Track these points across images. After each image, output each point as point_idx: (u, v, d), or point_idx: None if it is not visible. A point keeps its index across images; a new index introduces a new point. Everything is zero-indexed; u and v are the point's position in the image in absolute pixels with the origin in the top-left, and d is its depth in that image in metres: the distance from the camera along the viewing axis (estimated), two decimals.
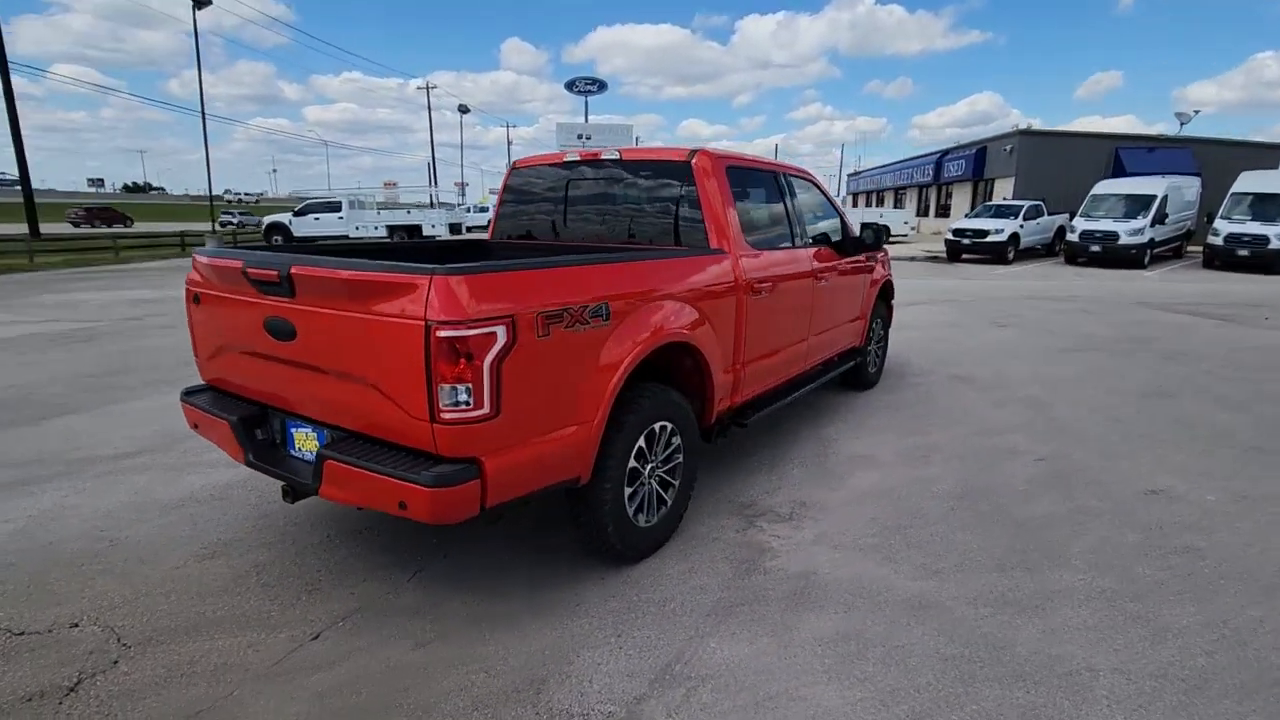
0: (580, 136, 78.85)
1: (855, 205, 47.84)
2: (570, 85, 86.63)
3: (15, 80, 21.88)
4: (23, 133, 21.98)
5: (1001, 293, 12.95)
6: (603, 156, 3.95)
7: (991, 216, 20.15)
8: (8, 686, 2.28)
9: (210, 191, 27.07)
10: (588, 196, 4.05)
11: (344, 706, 2.21)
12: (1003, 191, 27.83)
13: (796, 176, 4.71)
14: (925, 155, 35.32)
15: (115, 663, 2.41)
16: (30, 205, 25.53)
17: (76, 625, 2.62)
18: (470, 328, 2.16)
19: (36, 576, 2.95)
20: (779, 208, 4.29)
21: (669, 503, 3.22)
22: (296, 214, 25.56)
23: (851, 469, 4.19)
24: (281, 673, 2.36)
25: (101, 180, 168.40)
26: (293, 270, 2.43)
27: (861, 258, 5.26)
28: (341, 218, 25.31)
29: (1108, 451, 4.43)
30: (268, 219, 26.10)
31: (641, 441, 2.97)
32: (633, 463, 2.93)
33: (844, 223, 5.08)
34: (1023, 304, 11.32)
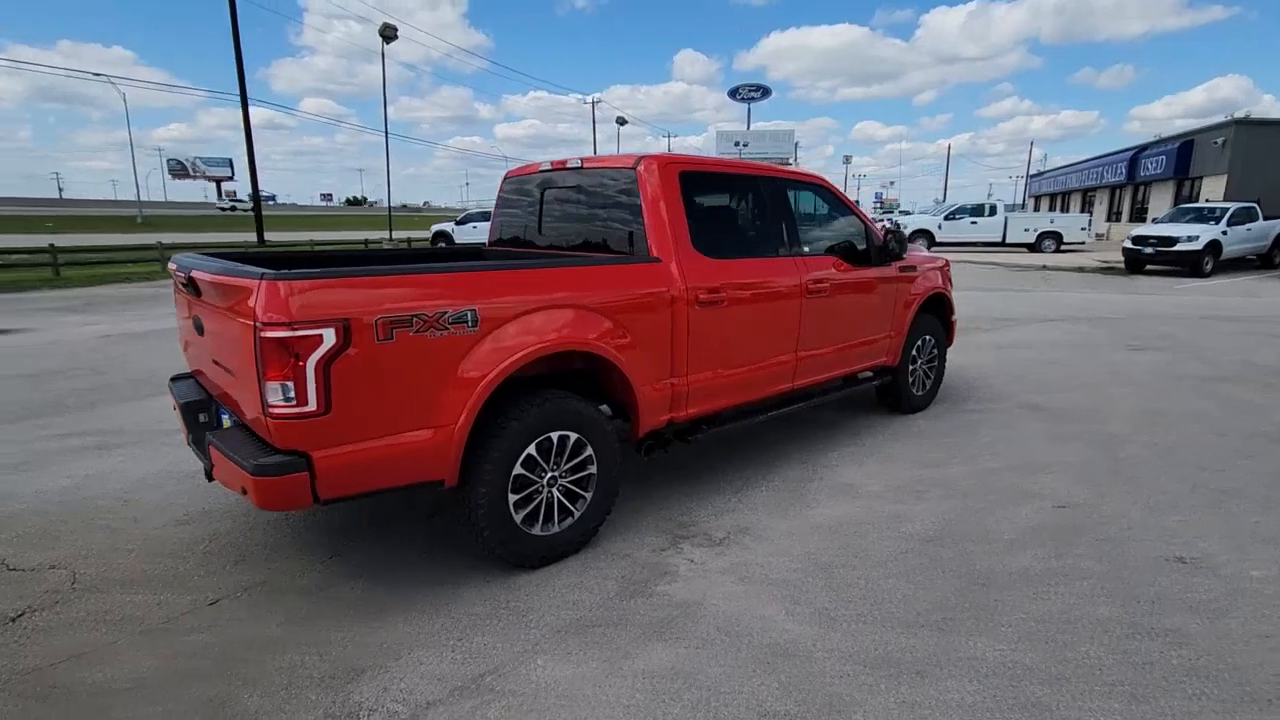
0: (737, 144, 78.70)
1: (1037, 209, 43.07)
2: (734, 93, 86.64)
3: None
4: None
5: (1166, 309, 11.07)
6: (569, 166, 3.98)
7: (1188, 221, 17.23)
8: (71, 610, 2.77)
9: (389, 204, 30.52)
10: (558, 204, 4.10)
11: (186, 668, 2.44)
12: (1211, 192, 23.66)
13: (798, 182, 4.42)
14: (1117, 153, 30.89)
15: (57, 603, 2.85)
16: (259, 218, 30.34)
17: (54, 568, 3.13)
18: (294, 329, 2.30)
19: (55, 524, 3.55)
20: (760, 215, 4.05)
21: (575, 514, 3.18)
22: (458, 223, 27.98)
23: (825, 498, 3.85)
24: (165, 630, 2.66)
25: (330, 195, 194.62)
26: (192, 273, 2.74)
27: (891, 269, 4.80)
28: None
29: (1155, 505, 3.67)
30: (434, 227, 28.82)
31: (532, 449, 2.96)
32: (519, 470, 2.93)
33: (868, 232, 4.66)
34: (1185, 324, 9.60)
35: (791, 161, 78.72)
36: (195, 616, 2.75)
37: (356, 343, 2.42)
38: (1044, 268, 19.06)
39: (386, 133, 29.14)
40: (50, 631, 2.64)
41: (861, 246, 4.60)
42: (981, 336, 8.74)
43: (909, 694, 2.24)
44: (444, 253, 4.79)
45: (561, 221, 4.07)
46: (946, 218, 24.70)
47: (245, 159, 23.15)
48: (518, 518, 2.97)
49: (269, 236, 31.07)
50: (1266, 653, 2.43)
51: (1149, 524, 3.45)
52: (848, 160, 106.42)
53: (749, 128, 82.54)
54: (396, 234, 30.10)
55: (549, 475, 3.06)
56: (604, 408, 3.42)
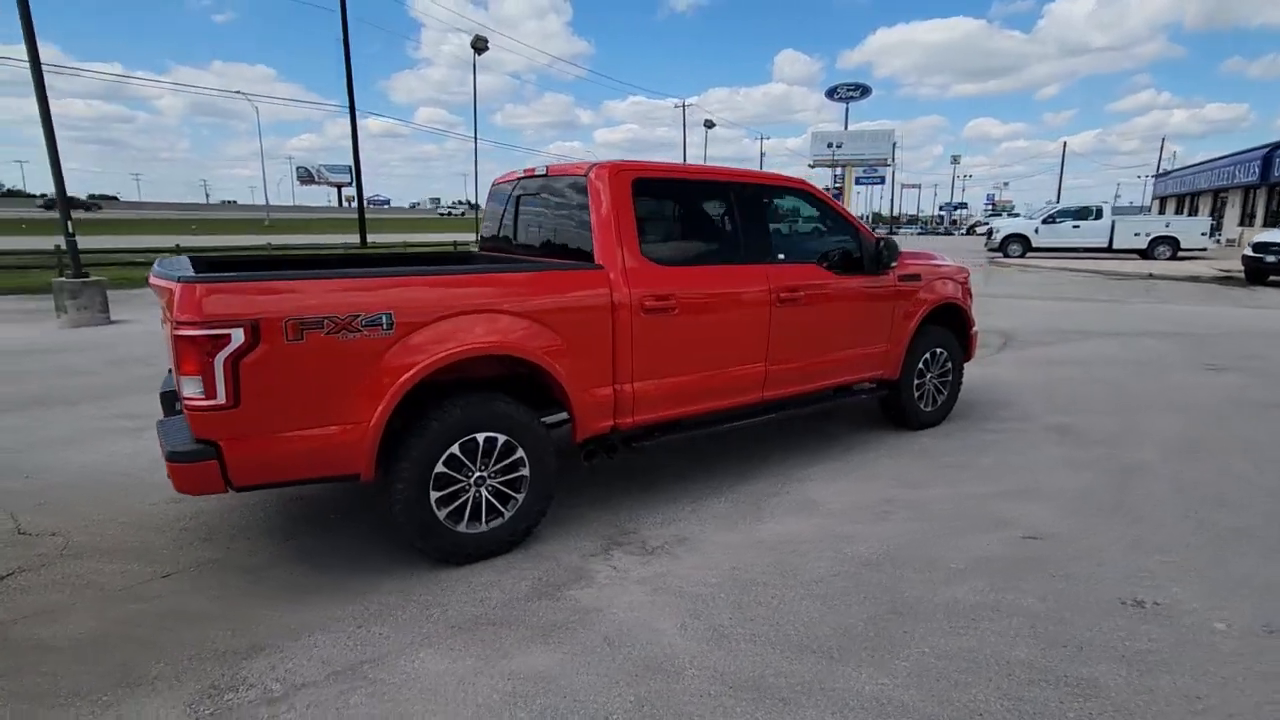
0: (830, 145, 76.36)
1: (1161, 211, 39.38)
2: (831, 93, 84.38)
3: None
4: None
5: (1278, 327, 9.88)
6: (536, 174, 4.07)
7: None
8: (47, 573, 3.15)
9: (476, 207, 31.91)
10: (528, 210, 4.19)
11: (120, 632, 2.69)
12: None
13: (777, 187, 4.30)
14: (1249, 150, 27.65)
15: (43, 566, 3.21)
16: (362, 221, 32.53)
17: (54, 534, 3.52)
18: (203, 328, 2.51)
19: (74, 495, 3.99)
20: (725, 222, 3.99)
21: (505, 515, 3.26)
22: None
23: (782, 513, 3.74)
24: (118, 597, 2.95)
25: (439, 199, 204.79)
26: (149, 277, 3.02)
27: (887, 279, 4.59)
28: None
29: (1142, 543, 3.32)
30: None
31: (456, 449, 3.06)
32: (441, 468, 3.04)
33: (860, 240, 4.47)
34: None
35: (890, 162, 75.92)
36: (147, 586, 3.03)
37: (266, 342, 2.60)
38: (1150, 276, 17.44)
39: (476, 139, 30.45)
40: (26, 591, 2.99)
41: (851, 255, 4.42)
42: (1037, 351, 8.15)
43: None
44: (428, 256, 4.97)
45: (530, 227, 4.16)
46: (1045, 221, 23.04)
47: (364, 166, 24.80)
48: (441, 514, 3.08)
49: (372, 239, 33.21)
50: (1188, 716, 2.17)
51: (1123, 563, 3.13)
52: (956, 160, 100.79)
53: (846, 128, 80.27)
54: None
55: (476, 475, 3.15)
56: (563, 413, 3.46)
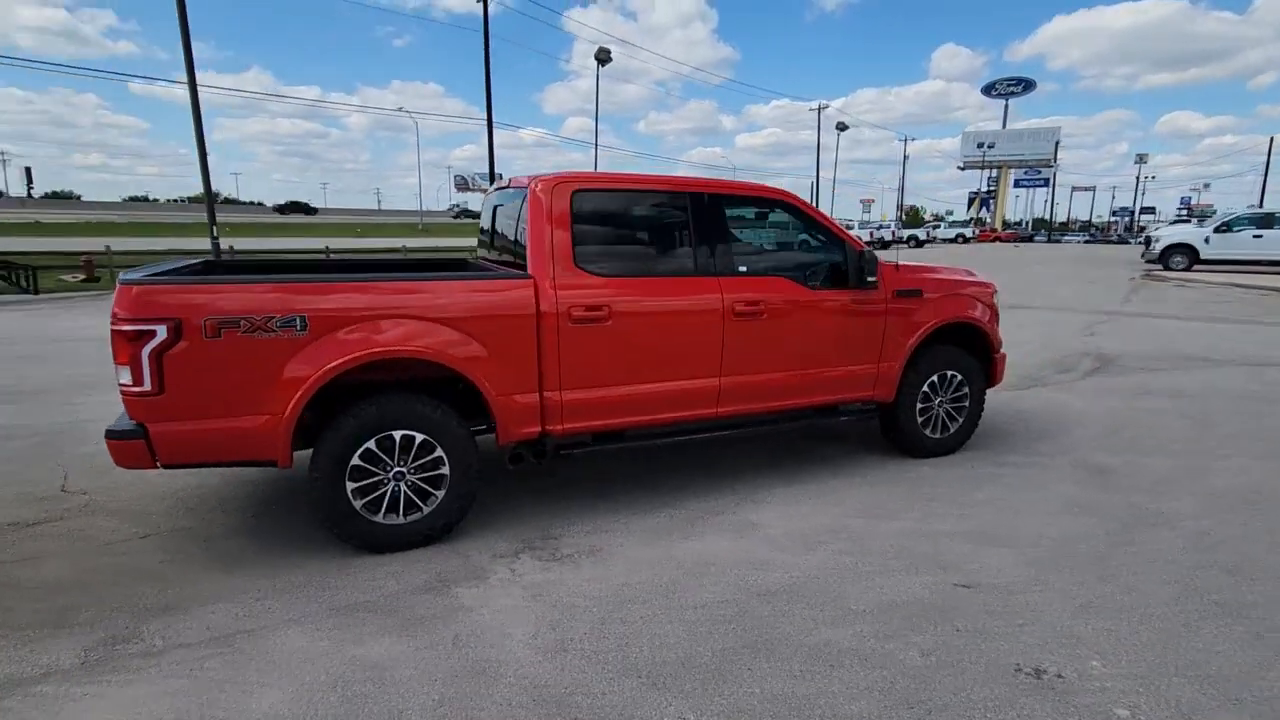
0: (982, 145, 71.16)
1: None
2: (989, 89, 78.59)
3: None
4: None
5: None
6: (506, 185, 4.21)
7: None
8: (28, 513, 3.82)
9: None
10: (500, 220, 4.34)
11: (81, 580, 3.13)
12: None
13: (744, 197, 4.16)
14: None
15: (61, 518, 3.80)
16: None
17: (84, 493, 4.15)
18: (130, 324, 2.88)
19: None
20: (674, 233, 3.92)
21: (424, 510, 3.43)
22: None
23: (713, 533, 3.63)
24: (99, 551, 3.42)
25: None
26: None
27: (877, 294, 4.29)
28: None
29: (1095, 606, 2.88)
30: None
31: (372, 445, 3.28)
32: (358, 461, 3.27)
33: (847, 253, 4.20)
34: None
35: (1053, 162, 69.12)
36: (124, 544, 3.51)
37: (187, 338, 2.94)
38: None
39: (596, 145, 31.47)
40: (34, 538, 3.56)
41: (830, 268, 4.19)
42: (1134, 378, 7.18)
43: None
44: (417, 263, 5.22)
45: (501, 237, 4.32)
46: (1218, 229, 20.01)
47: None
48: (358, 504, 3.30)
49: None
50: None
51: (1053, 626, 2.74)
52: (1141, 160, 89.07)
53: (1004, 126, 74.00)
54: None
55: (394, 470, 3.35)
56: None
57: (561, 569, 3.26)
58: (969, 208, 75.58)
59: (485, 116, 23.60)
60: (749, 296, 3.94)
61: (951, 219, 70.02)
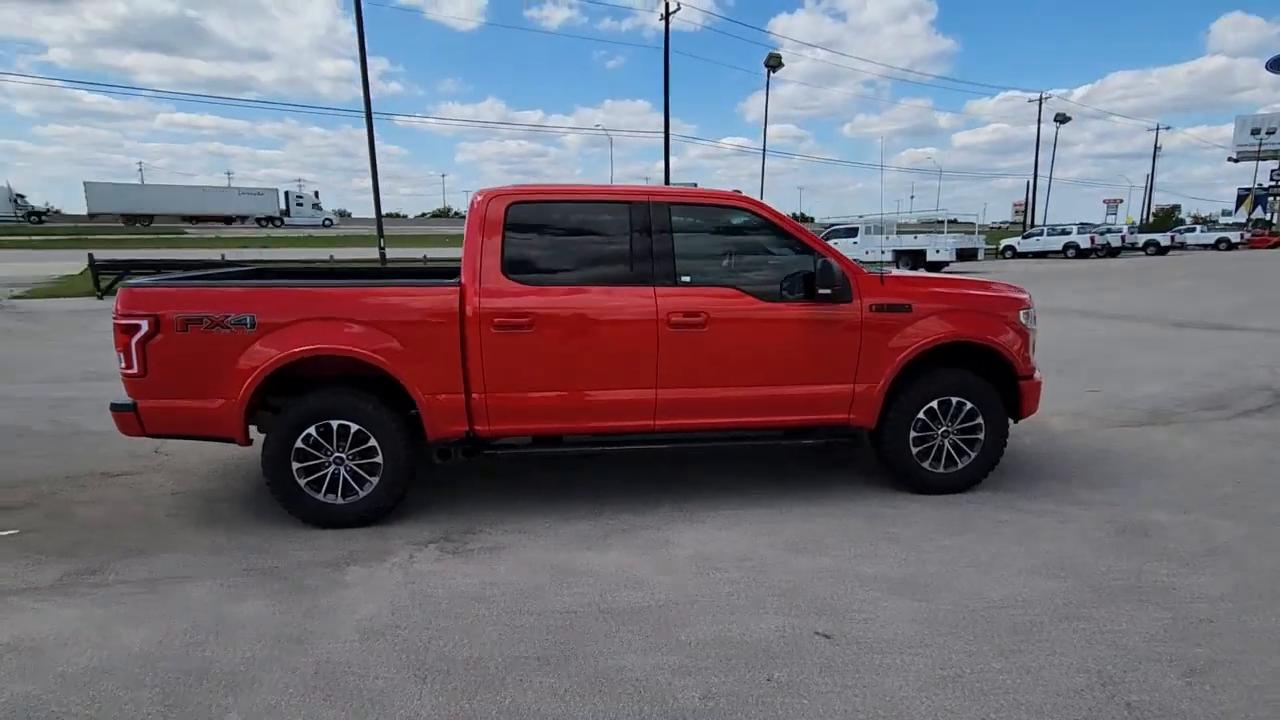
0: (1258, 132, 59.19)
1: None
2: (1274, 64, 64.81)
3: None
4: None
5: None
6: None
7: None
8: (121, 466, 4.84)
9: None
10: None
11: (103, 521, 3.93)
12: None
13: (695, 205, 4.02)
14: None
15: (139, 473, 4.75)
16: None
17: (167, 455, 5.13)
18: (123, 319, 3.57)
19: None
20: (611, 243, 3.89)
21: (360, 494, 3.80)
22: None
23: (621, 546, 3.58)
24: (136, 501, 4.25)
25: None
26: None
27: (851, 307, 3.92)
28: (856, 242, 26.65)
29: (952, 682, 2.41)
30: None
31: (312, 431, 3.71)
32: (301, 445, 3.72)
33: (816, 264, 3.87)
34: None
35: None
36: (157, 498, 4.30)
37: (163, 331, 3.57)
38: None
39: (765, 152, 30.97)
40: (111, 485, 4.49)
41: (788, 280, 3.90)
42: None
43: None
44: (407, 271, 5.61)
45: None
46: None
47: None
48: (302, 483, 3.75)
49: None
50: None
51: (886, 694, 2.35)
52: None
53: None
54: None
55: (334, 455, 3.76)
56: None
57: (452, 562, 3.43)
58: (1237, 207, 62.57)
59: (663, 130, 24.41)
60: (689, 307, 3.82)
61: (1227, 220, 58.48)
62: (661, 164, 29.74)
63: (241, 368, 3.61)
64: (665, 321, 3.79)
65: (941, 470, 4.19)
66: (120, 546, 3.61)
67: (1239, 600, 2.96)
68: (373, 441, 3.75)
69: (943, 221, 31.10)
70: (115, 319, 3.60)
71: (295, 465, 3.73)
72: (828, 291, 3.81)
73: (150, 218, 56.10)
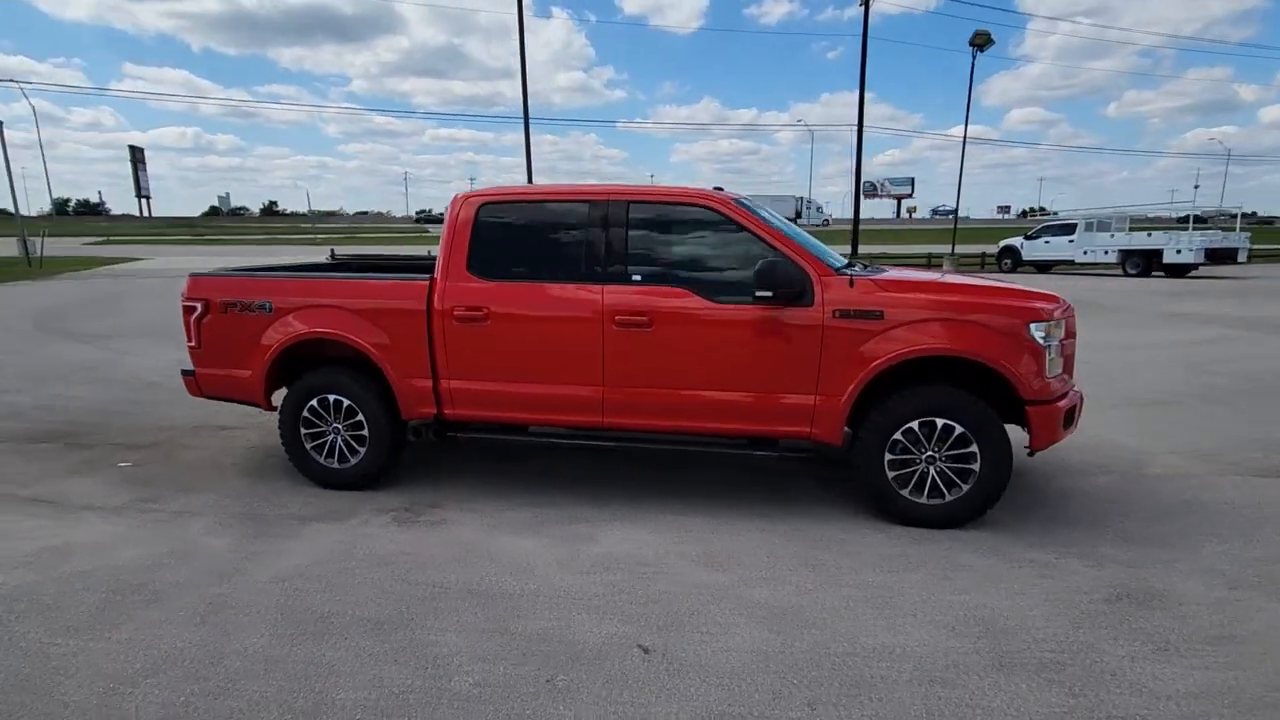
0: None
1: None
2: None
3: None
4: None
5: None
6: None
7: None
8: (234, 421, 5.96)
9: (956, 215, 28.93)
10: None
11: (181, 460, 4.91)
12: None
13: (655, 203, 3.93)
14: None
15: (240, 428, 5.80)
16: (855, 231, 33.95)
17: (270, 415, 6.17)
18: (186, 302, 4.43)
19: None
20: (567, 241, 3.96)
21: (352, 461, 4.33)
22: (1029, 237, 24.85)
23: (539, 536, 3.68)
24: (216, 448, 5.23)
25: (1008, 207, 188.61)
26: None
27: (812, 312, 3.62)
28: (1072, 240, 23.17)
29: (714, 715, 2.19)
30: (1002, 242, 26.18)
31: (314, 403, 4.31)
32: (307, 414, 4.33)
33: (774, 263, 3.63)
34: None
35: None
36: (235, 449, 5.24)
37: (212, 313, 4.37)
38: None
39: (964, 141, 27.93)
40: (218, 436, 5.54)
41: (741, 281, 3.70)
42: None
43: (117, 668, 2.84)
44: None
45: None
46: None
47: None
48: (308, 447, 4.38)
49: (866, 250, 34.17)
50: None
51: (636, 710, 2.23)
52: None
53: None
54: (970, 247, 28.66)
55: (332, 425, 4.33)
56: None
57: (392, 530, 3.79)
58: None
59: (857, 123, 23.30)
60: (634, 306, 3.79)
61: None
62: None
63: (263, 344, 4.30)
64: (610, 320, 3.81)
65: (925, 501, 3.70)
66: (181, 484, 4.49)
67: (1202, 704, 2.31)
68: (360, 416, 4.25)
69: (1234, 216, 26.21)
70: (182, 302, 4.48)
71: (303, 431, 4.35)
72: (767, 294, 3.55)
73: None
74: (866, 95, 25.27)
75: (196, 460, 4.95)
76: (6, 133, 27.16)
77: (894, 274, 3.97)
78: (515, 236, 4.11)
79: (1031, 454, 3.75)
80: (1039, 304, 3.64)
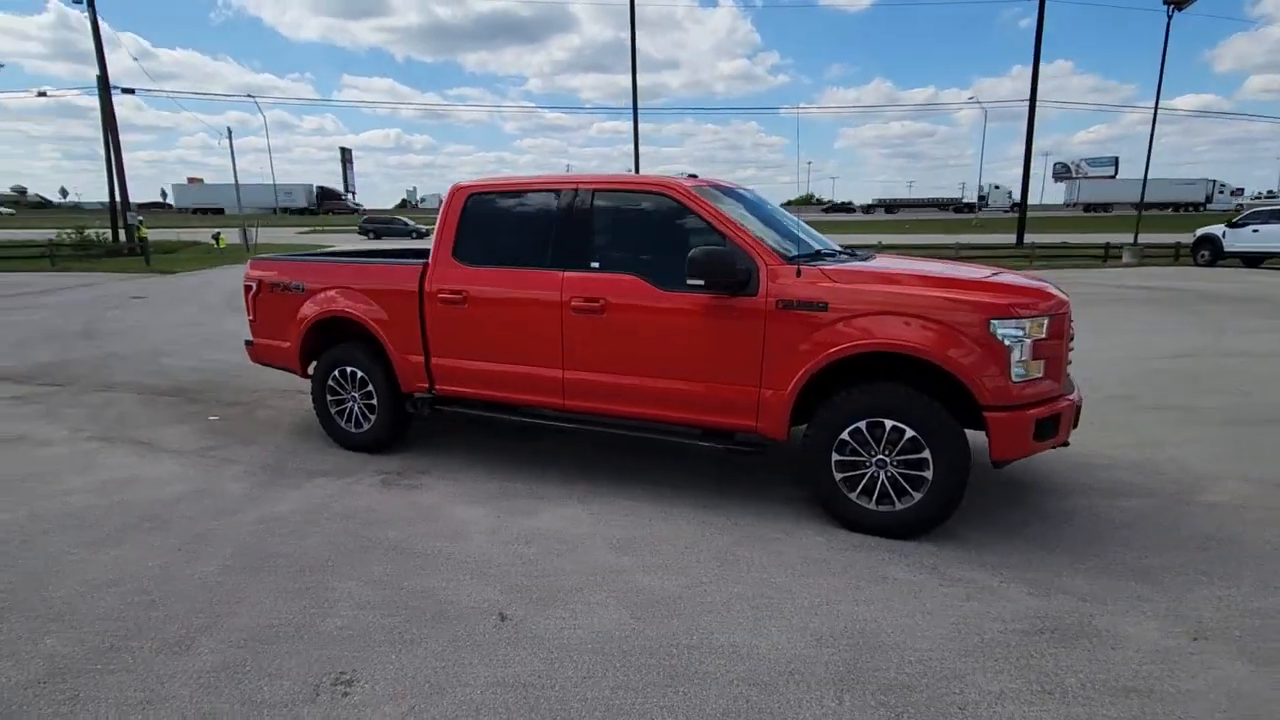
0: None
1: None
2: None
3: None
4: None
5: None
6: None
7: None
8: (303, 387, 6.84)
9: (1141, 199, 24.86)
10: None
11: (257, 418, 5.73)
12: None
13: (618, 191, 3.98)
14: None
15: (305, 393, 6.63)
16: (1021, 220, 30.75)
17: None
18: (246, 281, 5.17)
19: None
20: (538, 228, 4.11)
21: (365, 426, 4.85)
22: (1232, 225, 21.10)
23: (488, 507, 3.92)
24: (281, 409, 6.03)
25: (1241, 189, 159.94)
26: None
27: (755, 301, 3.52)
28: (1255, 231, 19.49)
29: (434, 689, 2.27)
30: (1199, 231, 22.37)
31: (336, 374, 4.87)
32: (330, 383, 4.91)
33: (724, 253, 3.56)
34: None
35: None
36: (301, 411, 6.01)
37: (262, 292, 5.08)
38: None
39: (1156, 107, 24.04)
40: (294, 397, 6.39)
41: (688, 267, 3.64)
42: None
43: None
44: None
45: None
46: None
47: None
48: (333, 412, 4.96)
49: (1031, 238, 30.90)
50: None
51: (451, 666, 2.37)
52: None
53: None
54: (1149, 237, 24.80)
55: (350, 394, 4.87)
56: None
57: (374, 490, 4.21)
58: None
59: (1029, 99, 21.26)
60: (590, 292, 3.89)
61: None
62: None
63: (297, 319, 4.92)
64: (568, 305, 3.94)
65: (874, 507, 3.47)
66: (243, 437, 5.26)
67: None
68: (370, 387, 4.74)
69: None
70: (244, 281, 5.23)
71: (329, 398, 4.93)
72: (698, 283, 3.49)
73: None
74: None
75: (266, 419, 5.75)
76: (255, 140, 31.92)
77: (861, 264, 3.73)
78: (494, 225, 4.35)
79: (996, 466, 3.37)
80: (1011, 299, 3.26)
